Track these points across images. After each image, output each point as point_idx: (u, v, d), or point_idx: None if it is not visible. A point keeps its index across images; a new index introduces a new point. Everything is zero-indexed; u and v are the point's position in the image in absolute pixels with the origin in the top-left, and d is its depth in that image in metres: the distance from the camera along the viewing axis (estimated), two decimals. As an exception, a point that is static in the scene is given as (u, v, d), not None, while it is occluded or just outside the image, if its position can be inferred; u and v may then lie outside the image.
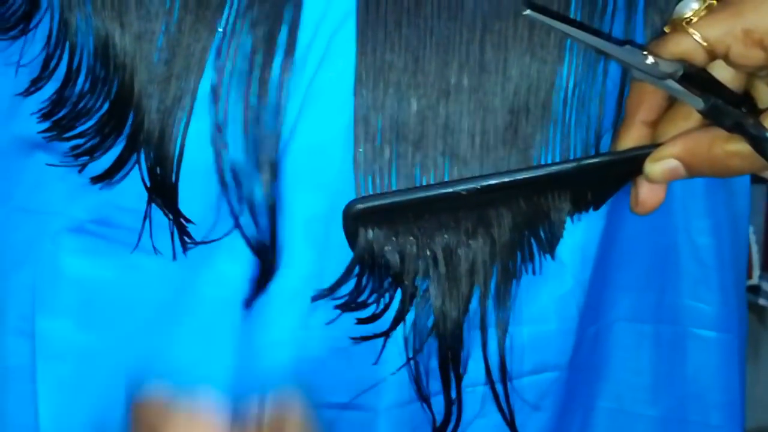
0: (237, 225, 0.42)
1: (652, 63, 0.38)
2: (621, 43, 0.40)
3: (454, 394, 0.45)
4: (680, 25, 0.39)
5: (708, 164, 0.40)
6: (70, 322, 0.43)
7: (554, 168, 0.40)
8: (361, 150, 0.41)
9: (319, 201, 0.42)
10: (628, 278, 0.50)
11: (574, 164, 0.40)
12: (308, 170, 0.42)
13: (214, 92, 0.41)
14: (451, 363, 0.44)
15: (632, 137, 0.41)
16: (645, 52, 0.38)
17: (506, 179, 0.39)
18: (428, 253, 0.41)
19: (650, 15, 0.44)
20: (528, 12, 0.36)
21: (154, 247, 0.43)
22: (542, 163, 0.41)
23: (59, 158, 0.43)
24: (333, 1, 0.41)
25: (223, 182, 0.42)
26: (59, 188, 0.43)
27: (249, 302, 0.44)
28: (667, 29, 0.40)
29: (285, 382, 0.46)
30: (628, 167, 0.41)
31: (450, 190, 0.39)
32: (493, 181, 0.39)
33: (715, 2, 0.39)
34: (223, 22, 0.41)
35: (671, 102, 0.41)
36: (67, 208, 0.43)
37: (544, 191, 0.41)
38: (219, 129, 0.41)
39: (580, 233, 0.46)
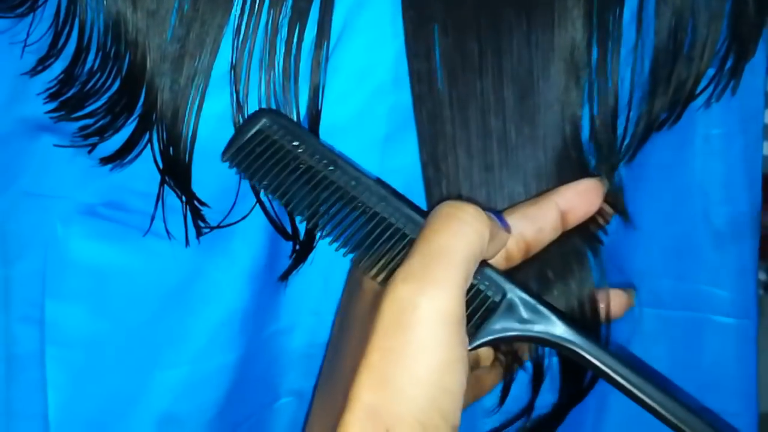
0: (260, 204, 0.41)
1: None
2: None
3: None
4: None
5: None
6: (81, 308, 0.42)
7: None
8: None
9: None
10: (646, 264, 0.49)
11: None
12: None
13: (234, 71, 0.40)
14: None
15: None
16: None
17: None
18: None
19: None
20: None
21: (168, 231, 0.42)
22: None
23: (67, 139, 0.42)
24: None
25: None
26: (68, 171, 0.42)
27: (286, 276, 0.43)
28: None
29: (297, 368, 0.45)
30: None
31: None
32: None
33: None
34: None
35: None
36: (77, 191, 0.42)
37: None
38: (239, 108, 0.40)
39: None
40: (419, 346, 0.33)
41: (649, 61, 0.43)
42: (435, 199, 0.41)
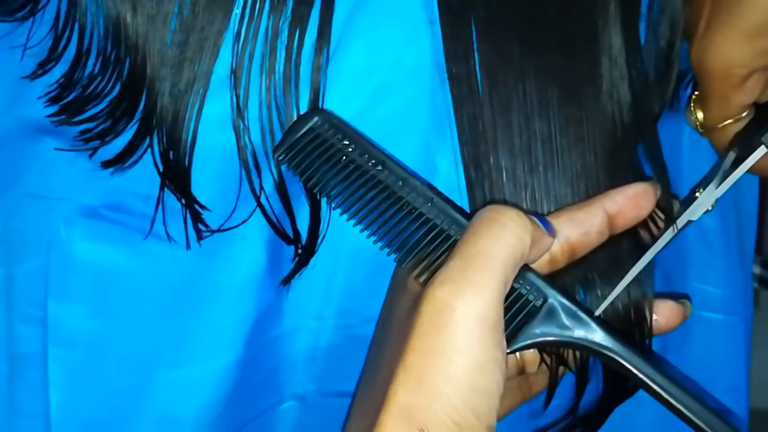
0: (260, 208, 0.42)
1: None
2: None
3: None
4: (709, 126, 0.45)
5: None
6: (83, 309, 0.42)
7: None
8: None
9: None
10: None
11: None
12: None
13: (234, 75, 0.40)
14: None
15: None
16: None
17: None
18: None
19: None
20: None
21: (168, 234, 0.42)
22: None
23: (68, 143, 0.42)
24: None
25: (245, 166, 0.41)
26: (69, 173, 0.42)
27: (288, 280, 0.43)
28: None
29: (299, 372, 0.46)
30: None
31: None
32: None
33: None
34: (240, 3, 0.40)
35: None
36: (78, 193, 0.42)
37: None
38: (240, 112, 0.40)
39: None
40: (454, 348, 0.33)
41: (653, 62, 0.44)
42: (477, 200, 0.41)
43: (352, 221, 0.40)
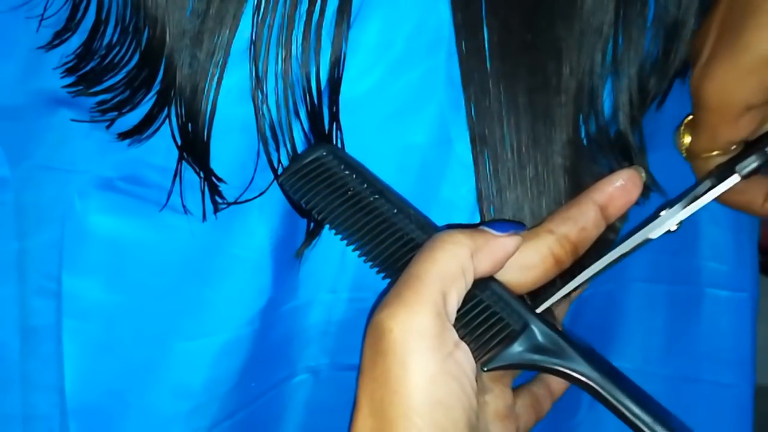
0: (277, 180, 0.42)
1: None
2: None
3: None
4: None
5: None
6: (98, 281, 0.42)
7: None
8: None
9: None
10: None
11: None
12: (350, 124, 0.42)
13: (254, 46, 0.40)
14: None
15: None
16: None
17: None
18: None
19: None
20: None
21: (184, 207, 0.42)
22: None
23: (84, 114, 0.42)
24: None
25: (263, 137, 0.41)
26: (85, 145, 0.42)
27: (300, 251, 0.43)
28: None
29: (313, 345, 0.46)
30: None
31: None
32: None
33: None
34: None
35: None
36: (94, 165, 0.42)
37: None
38: (258, 83, 0.40)
39: None
40: (401, 368, 0.34)
41: (661, 38, 0.44)
42: (482, 174, 0.42)
43: (352, 246, 0.41)
